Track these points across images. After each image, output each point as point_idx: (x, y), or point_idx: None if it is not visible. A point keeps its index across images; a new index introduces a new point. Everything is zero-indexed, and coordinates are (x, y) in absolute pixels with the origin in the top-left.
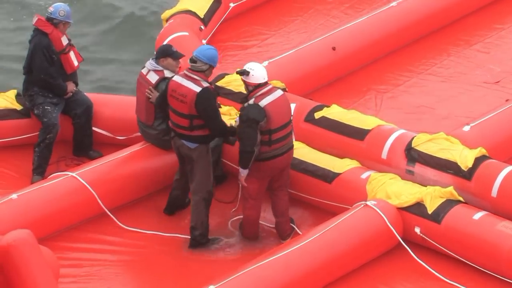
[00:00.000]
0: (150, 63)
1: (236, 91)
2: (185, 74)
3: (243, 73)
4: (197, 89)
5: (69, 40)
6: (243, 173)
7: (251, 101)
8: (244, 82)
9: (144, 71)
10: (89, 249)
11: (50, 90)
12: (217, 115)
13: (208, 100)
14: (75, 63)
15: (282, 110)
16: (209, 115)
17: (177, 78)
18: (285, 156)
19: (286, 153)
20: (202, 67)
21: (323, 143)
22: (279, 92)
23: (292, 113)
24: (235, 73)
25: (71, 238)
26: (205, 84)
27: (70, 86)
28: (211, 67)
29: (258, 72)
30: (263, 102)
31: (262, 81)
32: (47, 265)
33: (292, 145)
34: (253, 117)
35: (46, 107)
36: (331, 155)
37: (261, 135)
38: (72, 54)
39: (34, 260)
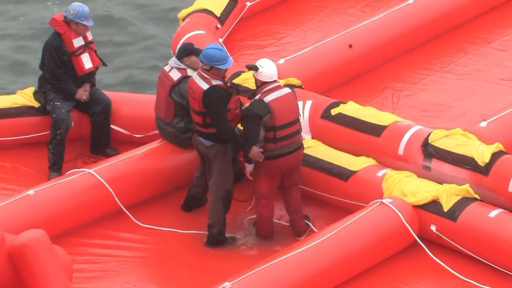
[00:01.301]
0: (173, 61)
1: (253, 88)
2: (199, 72)
3: (253, 68)
4: (205, 86)
5: (86, 42)
6: (248, 167)
7: (256, 97)
8: (254, 77)
9: (167, 68)
10: (105, 245)
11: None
12: (220, 114)
13: (213, 98)
14: (87, 66)
15: (287, 108)
16: (212, 112)
17: (194, 76)
18: (293, 155)
19: (294, 152)
20: (205, 66)
21: (339, 140)
22: (286, 90)
23: (300, 113)
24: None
25: (87, 234)
26: (215, 83)
27: (80, 93)
28: (214, 66)
29: (266, 69)
30: (268, 98)
31: (269, 79)
32: (61, 265)
33: (301, 145)
34: (255, 112)
35: (56, 102)
36: (347, 151)
37: (266, 131)
38: (84, 57)
39: (47, 260)
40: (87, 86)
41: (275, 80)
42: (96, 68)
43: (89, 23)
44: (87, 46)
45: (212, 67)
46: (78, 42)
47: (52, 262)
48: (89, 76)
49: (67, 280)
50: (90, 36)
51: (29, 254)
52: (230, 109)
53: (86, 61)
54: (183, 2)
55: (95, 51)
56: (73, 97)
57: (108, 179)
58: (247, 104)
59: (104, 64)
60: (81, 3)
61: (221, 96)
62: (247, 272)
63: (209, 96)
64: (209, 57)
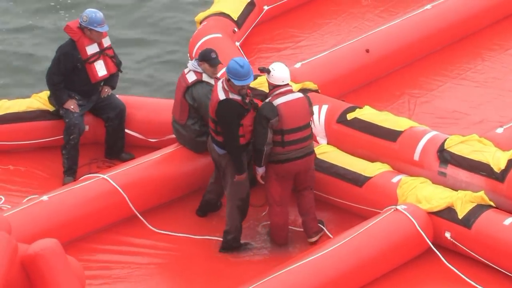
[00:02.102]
0: (192, 63)
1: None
2: (223, 81)
3: (265, 71)
4: (222, 97)
5: (101, 49)
6: (259, 171)
7: (267, 100)
8: (266, 79)
9: (186, 70)
10: (119, 251)
11: (74, 91)
12: (230, 128)
13: (226, 111)
14: (100, 73)
15: (296, 113)
16: (223, 125)
17: (218, 83)
18: (302, 161)
19: (303, 158)
20: (227, 76)
21: (355, 144)
22: (297, 95)
23: (316, 118)
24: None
25: (101, 240)
26: (231, 96)
27: (69, 103)
28: (231, 80)
29: (278, 73)
30: (277, 101)
31: (280, 83)
32: (74, 275)
33: (312, 151)
34: (264, 114)
35: None
36: (363, 156)
37: (274, 134)
38: (98, 64)
39: (60, 270)
40: (107, 89)
41: (287, 84)
42: (110, 74)
43: (103, 29)
44: (102, 53)
45: (230, 80)
46: (92, 49)
47: (65, 272)
48: (109, 80)
49: None
50: (106, 42)
51: (42, 263)
52: (243, 124)
53: (100, 68)
54: None
55: (112, 57)
56: (62, 106)
57: (122, 185)
58: None
59: (120, 70)
60: (95, 10)
61: (234, 111)
62: (261, 278)
63: (223, 108)
64: (229, 69)
